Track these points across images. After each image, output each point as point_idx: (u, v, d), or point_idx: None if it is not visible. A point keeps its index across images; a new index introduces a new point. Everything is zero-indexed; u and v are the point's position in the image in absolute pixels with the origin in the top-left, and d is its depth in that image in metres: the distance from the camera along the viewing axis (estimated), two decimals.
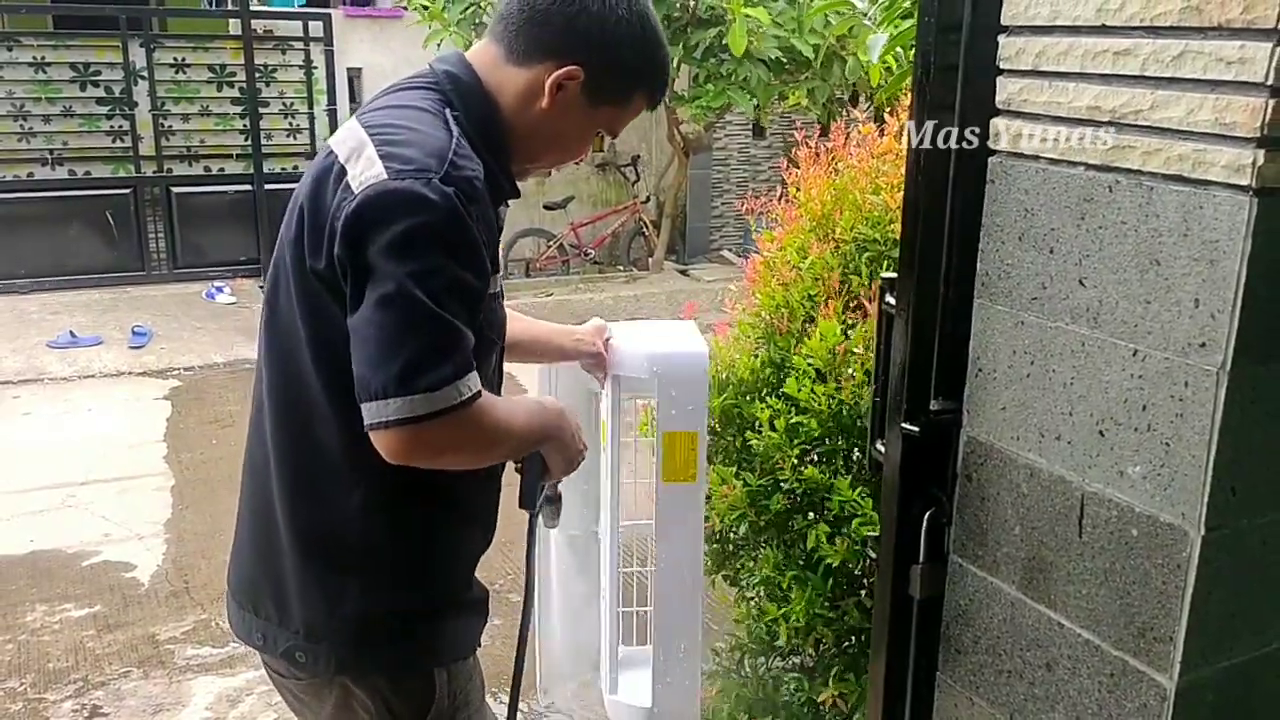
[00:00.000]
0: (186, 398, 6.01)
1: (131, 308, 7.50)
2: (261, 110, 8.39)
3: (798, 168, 2.50)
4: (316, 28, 8.54)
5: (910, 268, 1.34)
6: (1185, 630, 1.10)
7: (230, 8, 8.76)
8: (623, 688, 2.10)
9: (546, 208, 9.19)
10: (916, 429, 1.35)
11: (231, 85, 8.37)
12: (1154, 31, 1.06)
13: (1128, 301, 1.11)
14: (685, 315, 2.59)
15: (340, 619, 1.39)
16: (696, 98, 6.98)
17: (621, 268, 9.32)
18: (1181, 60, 1.03)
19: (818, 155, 2.47)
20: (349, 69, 8.89)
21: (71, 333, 6.84)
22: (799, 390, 2.11)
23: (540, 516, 1.60)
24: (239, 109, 8.42)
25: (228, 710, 3.08)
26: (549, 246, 9.00)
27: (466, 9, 7.03)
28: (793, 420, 2.13)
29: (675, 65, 7.07)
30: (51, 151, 7.97)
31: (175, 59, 8.22)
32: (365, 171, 1.24)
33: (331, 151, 1.31)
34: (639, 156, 9.61)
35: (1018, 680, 1.30)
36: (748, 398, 2.35)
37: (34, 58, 7.82)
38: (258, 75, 8.30)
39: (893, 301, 1.39)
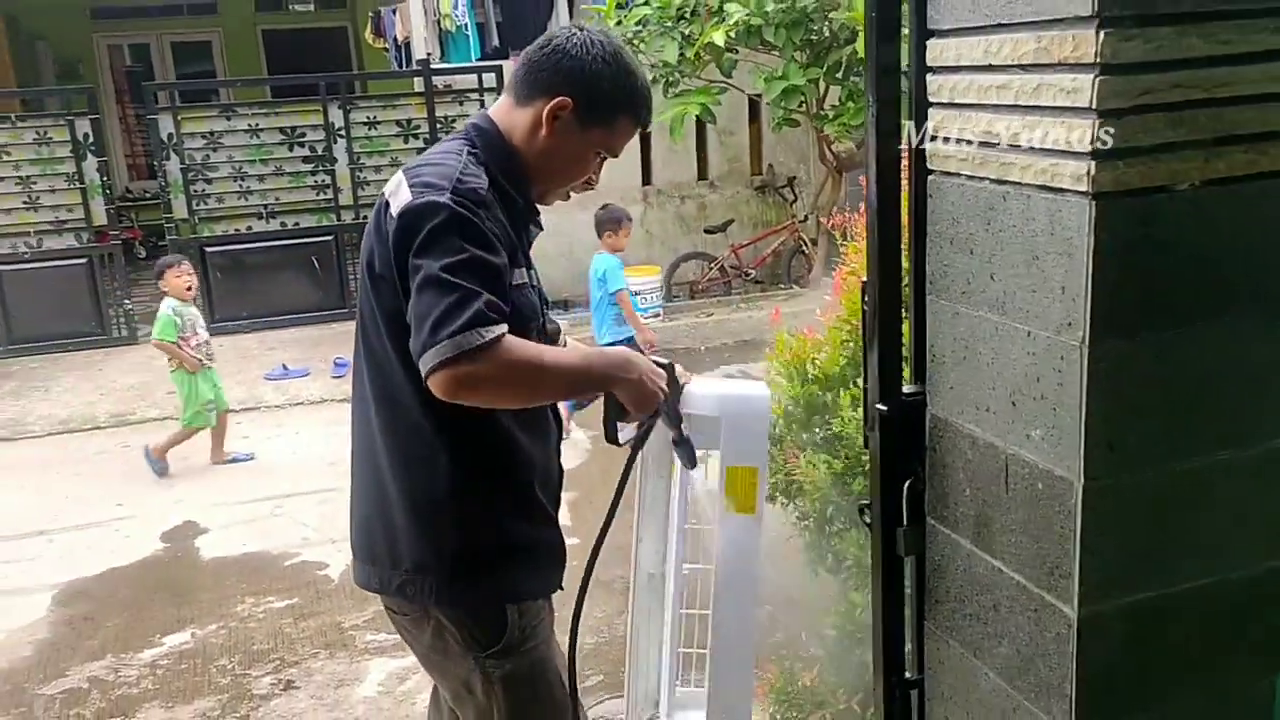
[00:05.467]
0: None
1: (334, 342, 8.33)
2: None
3: None
4: (489, 79, 9.24)
5: (875, 270, 1.58)
6: (1079, 567, 1.29)
7: (414, 68, 9.57)
8: None
9: (707, 231, 9.53)
10: (887, 409, 1.58)
11: (416, 137, 9.18)
12: (1022, 69, 1.27)
13: (1021, 291, 1.32)
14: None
15: (436, 556, 1.76)
16: (839, 116, 7.15)
17: (783, 286, 9.52)
18: (1039, 91, 1.25)
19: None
20: None
21: (284, 366, 7.70)
22: None
23: (677, 456, 1.92)
24: None
25: (396, 685, 3.54)
26: (711, 268, 9.33)
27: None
28: None
29: (823, 87, 7.27)
30: (265, 206, 9.00)
31: (368, 117, 9.11)
32: (401, 200, 1.66)
33: (383, 195, 1.73)
34: (795, 177, 9.81)
35: (976, 621, 1.51)
36: (835, 390, 2.58)
37: (249, 125, 8.88)
38: (439, 126, 9.07)
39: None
